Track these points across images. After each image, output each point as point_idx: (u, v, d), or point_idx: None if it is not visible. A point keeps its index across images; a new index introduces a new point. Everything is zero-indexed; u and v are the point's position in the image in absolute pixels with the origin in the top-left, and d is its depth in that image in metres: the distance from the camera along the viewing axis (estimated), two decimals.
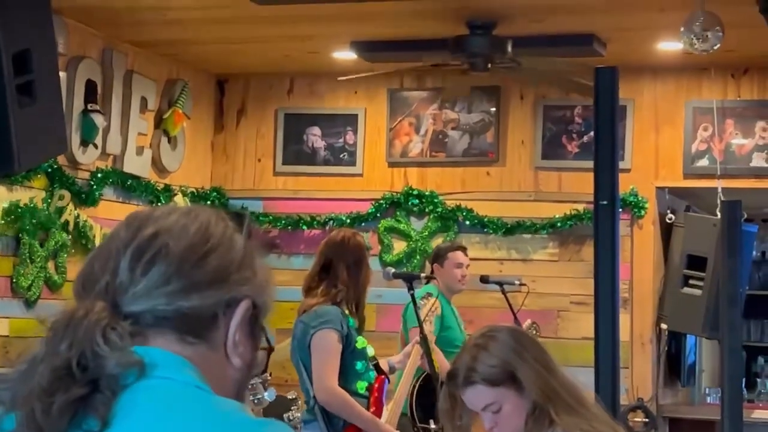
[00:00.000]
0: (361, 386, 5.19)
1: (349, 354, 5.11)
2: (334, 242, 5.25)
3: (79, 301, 1.50)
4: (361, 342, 5.17)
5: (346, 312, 5.11)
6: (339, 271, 5.12)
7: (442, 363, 6.43)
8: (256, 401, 3.73)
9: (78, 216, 7.30)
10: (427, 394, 6.48)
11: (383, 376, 5.32)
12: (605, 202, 4.12)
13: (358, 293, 5.14)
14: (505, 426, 2.94)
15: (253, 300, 1.53)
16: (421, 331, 5.30)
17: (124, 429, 1.41)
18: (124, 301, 1.48)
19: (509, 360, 2.93)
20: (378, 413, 5.20)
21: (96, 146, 7.44)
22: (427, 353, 5.22)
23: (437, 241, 8.30)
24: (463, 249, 7.16)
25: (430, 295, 6.45)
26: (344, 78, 7.59)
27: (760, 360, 10.12)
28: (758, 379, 9.61)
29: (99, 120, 7.33)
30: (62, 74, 6.99)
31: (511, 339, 2.99)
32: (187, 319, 1.49)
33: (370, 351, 5.28)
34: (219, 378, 1.51)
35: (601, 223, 4.18)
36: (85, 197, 7.38)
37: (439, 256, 7.08)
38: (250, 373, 1.58)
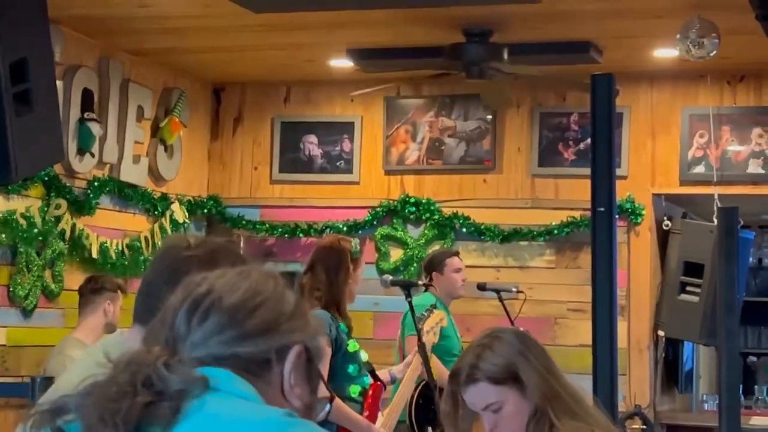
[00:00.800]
0: (354, 390, 5.16)
1: (340, 357, 5.10)
2: (319, 247, 5.31)
3: (143, 347, 1.60)
4: (352, 345, 5.15)
5: (336, 316, 5.11)
6: (318, 274, 5.14)
7: (441, 372, 6.43)
8: None
9: (75, 225, 7.30)
10: (426, 402, 6.48)
11: (379, 383, 5.30)
12: (602, 209, 4.12)
13: (336, 296, 5.11)
14: (506, 427, 2.93)
15: (305, 345, 1.64)
16: (419, 339, 5.29)
17: (187, 428, 1.48)
18: (182, 350, 1.58)
19: (513, 360, 2.92)
20: (372, 419, 5.18)
21: (93, 155, 7.44)
22: (425, 361, 5.21)
23: (434, 249, 8.30)
24: (457, 254, 7.18)
25: (434, 307, 6.44)
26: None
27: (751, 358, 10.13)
28: (755, 386, 9.61)
29: (95, 129, 7.33)
30: (59, 83, 7.00)
31: (516, 340, 2.99)
32: (243, 362, 1.58)
33: (364, 356, 5.26)
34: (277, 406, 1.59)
35: (599, 230, 4.18)
36: (82, 206, 7.37)
37: (436, 264, 7.08)
38: (310, 415, 1.67)
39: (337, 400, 5.03)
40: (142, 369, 1.51)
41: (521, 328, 6.91)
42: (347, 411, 5.04)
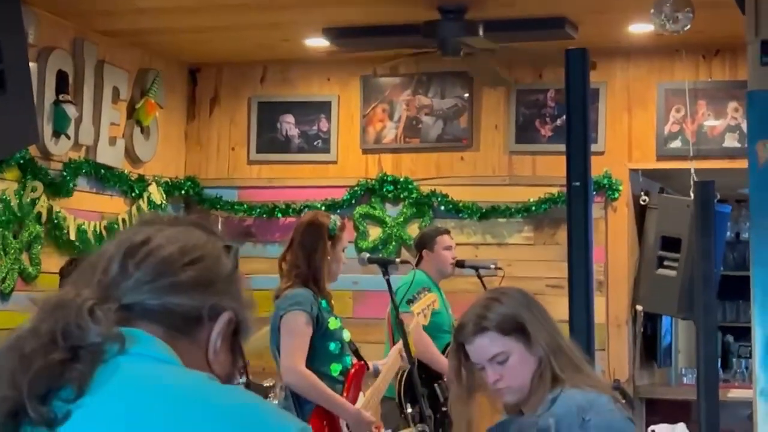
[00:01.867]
0: (335, 369, 5.14)
1: (321, 336, 5.07)
2: (297, 224, 5.29)
3: (71, 287, 1.58)
4: (333, 323, 5.12)
5: (317, 293, 5.08)
6: (296, 251, 5.11)
7: (427, 348, 6.44)
8: None
9: (51, 207, 7.27)
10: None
11: (362, 363, 5.29)
12: (578, 183, 4.14)
13: (314, 273, 5.07)
14: (510, 378, 2.95)
15: (235, 314, 1.63)
16: (397, 316, 5.29)
17: (96, 401, 1.46)
18: (114, 294, 1.56)
19: (520, 312, 2.98)
20: (353, 398, 5.17)
21: (68, 137, 7.41)
22: (403, 338, 5.20)
23: (413, 227, 8.31)
24: (448, 232, 7.20)
25: (428, 290, 6.44)
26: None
27: (730, 338, 10.18)
28: (733, 359, 9.67)
29: (71, 111, 7.30)
30: (33, 65, 6.97)
31: (521, 295, 3.08)
32: (173, 315, 1.57)
33: (346, 335, 5.24)
34: (198, 369, 1.58)
35: (574, 204, 4.19)
36: (58, 188, 7.35)
37: (427, 241, 7.09)
38: (226, 381, 1.63)
39: (312, 377, 5.02)
40: (66, 314, 1.49)
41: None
42: (323, 389, 5.03)
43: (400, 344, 5.60)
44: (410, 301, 6.28)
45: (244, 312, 1.65)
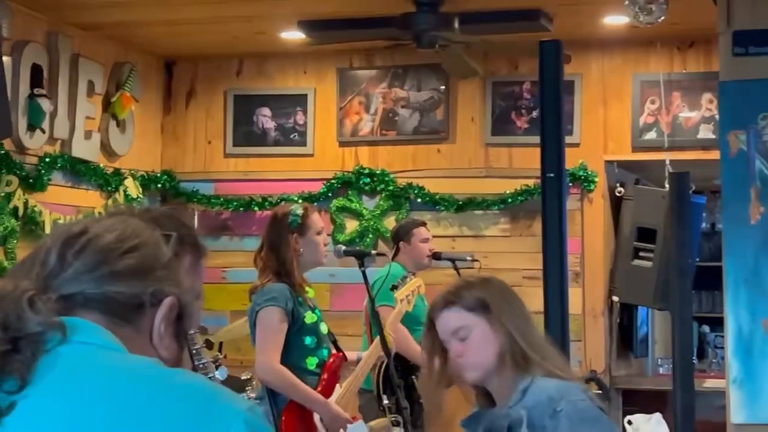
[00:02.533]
0: (311, 362, 5.14)
1: (297, 330, 5.07)
2: (268, 218, 5.27)
3: (9, 280, 1.56)
4: (309, 317, 5.12)
5: (294, 288, 5.07)
6: (266, 248, 5.12)
7: (404, 340, 6.44)
8: None
9: (27, 202, 7.25)
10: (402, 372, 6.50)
11: (340, 354, 5.28)
12: (552, 175, 4.15)
13: (284, 267, 5.05)
14: (471, 355, 2.98)
15: (178, 298, 1.62)
16: (372, 307, 5.29)
17: (41, 391, 1.45)
18: (53, 285, 1.55)
19: (490, 293, 3.04)
20: (327, 390, 5.16)
21: (43, 131, 7.38)
22: (380, 330, 5.21)
23: (390, 220, 8.32)
24: (425, 224, 7.21)
25: (412, 275, 6.45)
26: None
27: (706, 328, 10.22)
28: (709, 349, 9.71)
29: (46, 104, 7.27)
30: (7, 59, 6.94)
31: (497, 282, 3.13)
32: (114, 303, 1.57)
33: (324, 327, 5.24)
34: (144, 355, 1.57)
35: (549, 195, 4.20)
36: (34, 182, 7.32)
37: (403, 234, 7.10)
38: (174, 366, 1.63)
39: (285, 373, 5.01)
40: (4, 305, 1.48)
41: None
42: (297, 385, 5.02)
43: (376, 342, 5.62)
44: (394, 287, 6.30)
45: (187, 297, 1.65)
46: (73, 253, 1.57)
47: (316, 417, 5.09)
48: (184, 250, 1.85)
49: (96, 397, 1.44)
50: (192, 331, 3.83)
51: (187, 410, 1.44)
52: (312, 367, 5.14)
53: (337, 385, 5.25)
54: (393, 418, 5.04)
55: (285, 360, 5.04)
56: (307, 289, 5.25)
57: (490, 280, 3.15)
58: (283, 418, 5.03)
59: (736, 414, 5.47)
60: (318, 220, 5.25)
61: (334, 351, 5.27)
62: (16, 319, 1.47)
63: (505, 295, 3.08)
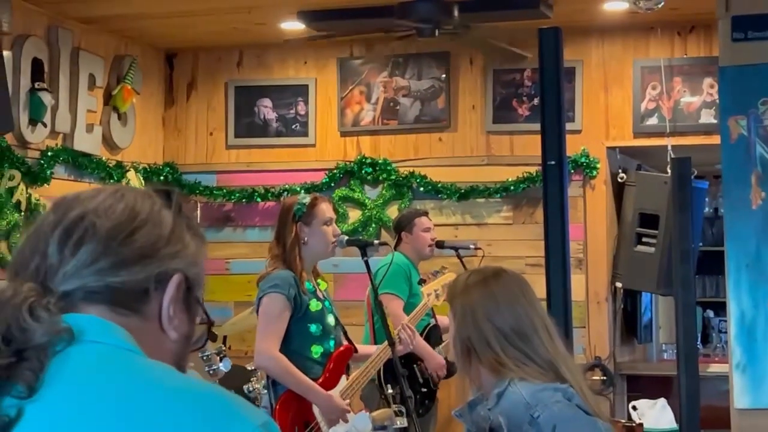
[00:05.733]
0: (316, 351, 5.13)
1: (300, 317, 5.07)
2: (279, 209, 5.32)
3: (10, 284, 1.51)
4: (314, 305, 5.12)
5: (300, 277, 5.09)
6: (274, 238, 5.16)
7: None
8: (211, 372, 3.74)
9: (30, 195, 7.26)
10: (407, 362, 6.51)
11: (349, 345, 5.28)
12: (553, 162, 4.15)
13: (290, 256, 5.08)
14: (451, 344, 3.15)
15: (184, 273, 1.56)
16: (375, 296, 5.30)
17: (52, 394, 1.41)
18: (54, 282, 1.50)
19: (465, 292, 3.07)
20: (331, 381, 5.16)
21: (45, 125, 7.39)
22: (383, 320, 5.21)
23: (392, 209, 8.32)
24: (426, 213, 7.21)
25: (445, 269, 6.49)
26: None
27: (710, 313, 10.23)
28: (713, 334, 9.72)
29: (47, 98, 7.28)
30: (8, 53, 6.95)
31: (493, 282, 3.10)
32: (118, 294, 1.51)
33: (332, 319, 5.24)
34: (155, 348, 1.53)
35: (550, 183, 4.21)
36: (36, 176, 7.33)
37: (405, 224, 7.10)
38: (189, 345, 1.60)
39: (283, 361, 5.00)
40: (5, 317, 1.42)
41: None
42: (294, 374, 5.00)
43: (406, 320, 5.64)
44: (422, 281, 6.31)
45: (193, 267, 1.58)
46: (73, 244, 1.51)
47: (315, 407, 5.09)
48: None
49: (108, 403, 1.40)
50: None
51: (204, 422, 1.41)
52: (316, 356, 5.14)
53: (343, 377, 5.24)
54: (397, 408, 5.03)
55: (288, 346, 5.05)
56: (319, 281, 5.27)
57: (487, 280, 3.11)
58: (277, 407, 5.03)
59: (739, 399, 5.48)
60: (326, 210, 5.25)
61: (344, 342, 5.27)
62: (18, 331, 1.42)
63: (496, 296, 3.06)
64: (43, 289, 1.49)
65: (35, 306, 1.44)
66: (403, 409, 5.08)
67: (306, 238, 5.13)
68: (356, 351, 5.33)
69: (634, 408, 6.48)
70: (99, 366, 1.43)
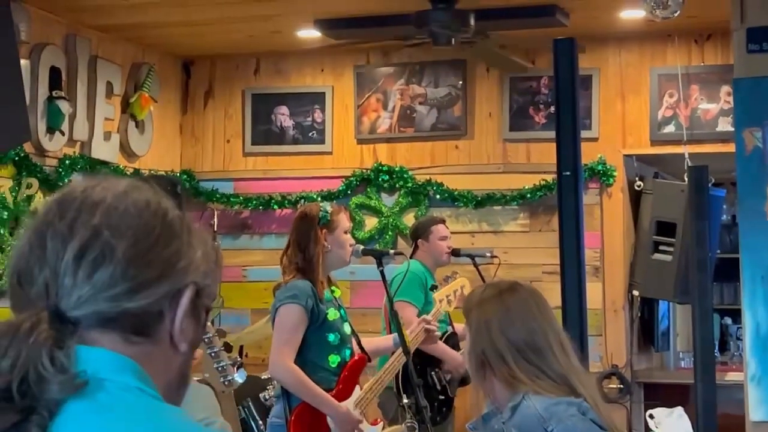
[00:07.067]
0: (334, 360, 5.11)
1: (318, 327, 5.06)
2: (293, 220, 5.29)
3: (17, 300, 1.45)
4: (332, 314, 5.12)
5: (317, 287, 5.08)
6: (293, 246, 5.13)
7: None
8: (226, 383, 3.74)
9: None
10: (422, 369, 6.51)
11: (363, 356, 5.27)
12: (568, 173, 4.15)
13: (309, 266, 5.05)
14: (465, 358, 3.15)
15: (196, 284, 1.49)
16: (392, 307, 5.29)
17: None
18: (67, 306, 1.42)
19: (472, 303, 3.08)
20: (346, 391, 5.15)
21: (63, 133, 7.42)
22: (398, 328, 5.20)
23: (409, 217, 8.33)
24: (443, 221, 7.21)
25: (456, 274, 6.49)
26: None
27: (728, 320, 10.20)
28: (731, 342, 9.68)
29: (65, 107, 7.31)
30: (25, 62, 6.98)
31: (508, 295, 3.09)
32: (132, 319, 1.44)
33: (347, 328, 5.23)
34: (163, 369, 1.48)
35: (565, 193, 4.21)
36: (54, 184, 7.35)
37: (422, 231, 7.09)
38: (193, 351, 1.54)
39: (297, 373, 4.99)
40: (25, 359, 1.34)
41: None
42: (309, 386, 4.97)
43: (414, 326, 5.64)
44: (434, 287, 6.31)
45: (205, 278, 1.50)
46: (88, 266, 1.41)
47: (330, 419, 5.08)
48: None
49: None
50: (209, 334, 3.83)
51: None
52: (333, 366, 5.12)
53: (357, 387, 5.23)
54: (409, 423, 5.03)
55: (306, 356, 5.03)
56: (333, 288, 5.26)
57: (502, 294, 3.10)
58: (292, 419, 5.02)
59: (755, 412, 5.46)
60: (345, 219, 5.25)
61: (358, 352, 5.26)
62: (35, 378, 1.33)
63: (510, 310, 3.05)
64: (56, 315, 1.41)
65: (55, 351, 1.36)
66: (416, 425, 5.07)
67: (329, 246, 5.14)
68: (369, 360, 5.33)
69: (651, 416, 6.47)
70: (107, 411, 1.37)
